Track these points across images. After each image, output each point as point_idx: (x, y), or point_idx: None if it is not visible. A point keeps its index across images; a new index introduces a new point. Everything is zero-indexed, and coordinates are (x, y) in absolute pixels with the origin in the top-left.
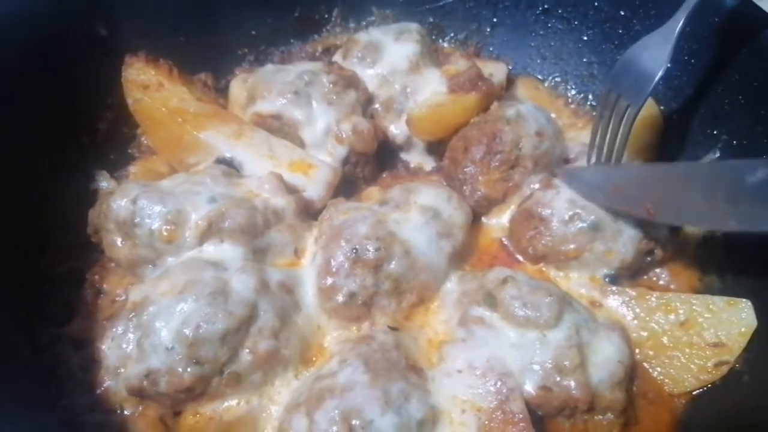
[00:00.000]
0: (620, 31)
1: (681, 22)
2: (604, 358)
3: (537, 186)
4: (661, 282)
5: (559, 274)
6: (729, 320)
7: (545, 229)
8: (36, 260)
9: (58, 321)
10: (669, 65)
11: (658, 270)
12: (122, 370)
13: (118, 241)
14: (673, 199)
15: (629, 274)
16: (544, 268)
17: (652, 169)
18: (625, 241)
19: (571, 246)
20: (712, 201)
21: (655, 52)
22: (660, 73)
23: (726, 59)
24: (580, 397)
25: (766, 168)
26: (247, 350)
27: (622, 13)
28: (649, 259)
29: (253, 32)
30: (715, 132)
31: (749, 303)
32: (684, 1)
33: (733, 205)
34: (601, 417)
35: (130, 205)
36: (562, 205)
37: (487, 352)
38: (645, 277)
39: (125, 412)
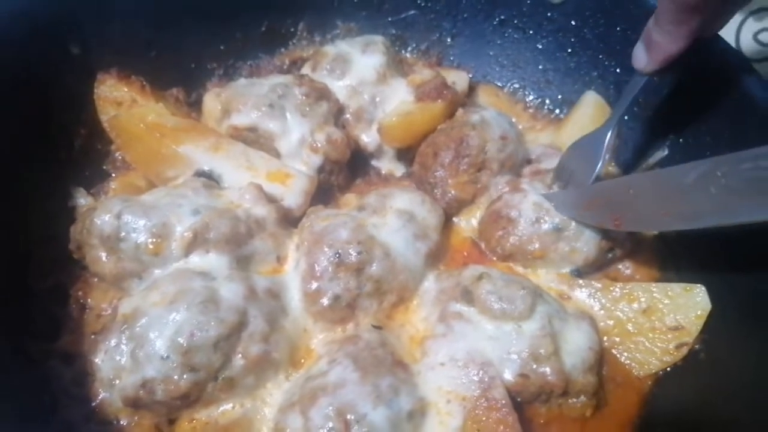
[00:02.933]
0: (572, 40)
1: (610, 132)
2: (576, 345)
3: (506, 189)
4: (627, 272)
5: (527, 271)
6: (686, 305)
7: (513, 230)
8: (20, 275)
9: (47, 336)
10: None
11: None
12: (117, 381)
13: (103, 256)
14: (632, 209)
15: (593, 270)
16: (512, 266)
17: (612, 184)
18: (587, 240)
19: (537, 246)
20: (661, 205)
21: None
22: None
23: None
24: (556, 382)
25: (696, 170)
26: (240, 355)
27: (573, 23)
28: (610, 255)
29: (222, 47)
30: (662, 131)
31: (703, 288)
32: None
33: (677, 206)
34: (574, 400)
35: (114, 220)
36: (528, 208)
37: (466, 344)
38: (609, 269)
39: (121, 423)
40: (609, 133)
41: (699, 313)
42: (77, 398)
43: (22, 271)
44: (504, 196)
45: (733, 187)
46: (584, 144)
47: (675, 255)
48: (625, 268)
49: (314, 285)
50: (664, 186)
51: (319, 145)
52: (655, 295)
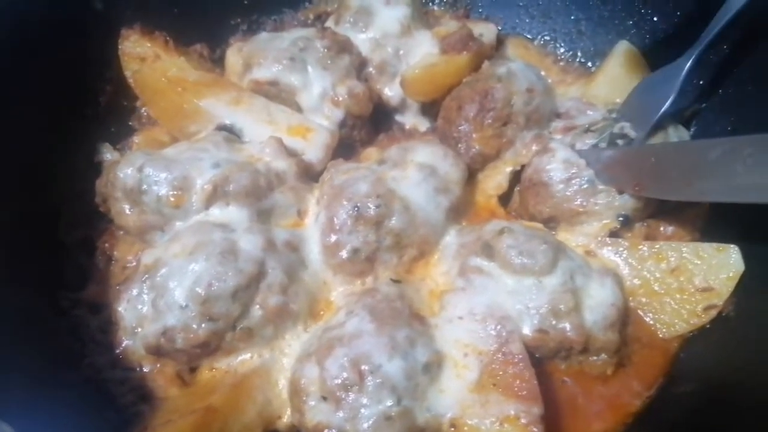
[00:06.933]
0: None
1: (688, 65)
2: (598, 301)
3: (533, 147)
4: (668, 230)
5: (571, 228)
6: (718, 265)
7: (547, 194)
8: (50, 230)
9: (75, 287)
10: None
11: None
12: (139, 329)
13: (126, 208)
14: (654, 176)
15: (644, 216)
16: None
17: (633, 150)
18: None
19: (575, 203)
20: (683, 177)
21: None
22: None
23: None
24: (575, 339)
25: (722, 147)
26: (258, 306)
27: None
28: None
29: (245, 2)
30: (701, 82)
31: (737, 248)
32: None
33: (700, 180)
34: (595, 358)
35: (137, 173)
36: (558, 167)
37: (486, 298)
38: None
39: (144, 369)
40: (686, 66)
41: (731, 274)
42: (103, 345)
43: (53, 225)
44: (533, 161)
45: (762, 167)
46: (657, 78)
47: (715, 216)
48: (666, 227)
49: (333, 238)
50: (687, 159)
51: (341, 98)
52: (685, 255)
